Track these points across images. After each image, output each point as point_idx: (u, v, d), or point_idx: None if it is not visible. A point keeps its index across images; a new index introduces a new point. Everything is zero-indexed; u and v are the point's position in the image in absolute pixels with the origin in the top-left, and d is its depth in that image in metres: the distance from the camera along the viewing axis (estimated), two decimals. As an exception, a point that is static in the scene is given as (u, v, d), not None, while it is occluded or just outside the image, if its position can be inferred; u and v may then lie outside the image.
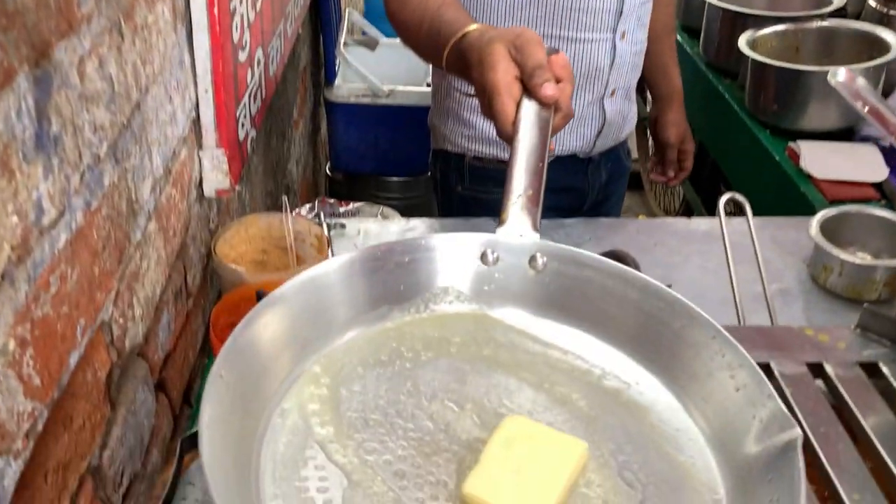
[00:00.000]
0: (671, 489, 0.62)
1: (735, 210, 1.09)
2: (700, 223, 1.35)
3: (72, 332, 0.65)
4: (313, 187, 2.22)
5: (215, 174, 1.01)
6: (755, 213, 1.05)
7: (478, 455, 0.63)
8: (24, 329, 0.57)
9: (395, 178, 2.25)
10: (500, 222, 0.79)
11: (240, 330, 0.65)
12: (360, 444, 0.64)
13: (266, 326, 0.68)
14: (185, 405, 1.00)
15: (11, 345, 0.55)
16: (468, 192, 1.38)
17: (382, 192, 2.17)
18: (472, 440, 0.65)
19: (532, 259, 0.77)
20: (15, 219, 0.55)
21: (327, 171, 2.38)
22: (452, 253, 0.78)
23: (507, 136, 0.82)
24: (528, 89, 0.82)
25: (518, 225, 0.78)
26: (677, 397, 0.70)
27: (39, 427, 0.60)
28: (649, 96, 1.60)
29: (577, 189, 1.39)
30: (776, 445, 0.58)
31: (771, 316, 0.90)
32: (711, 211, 2.13)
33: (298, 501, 0.59)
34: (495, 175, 1.34)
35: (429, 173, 1.44)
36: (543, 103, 0.82)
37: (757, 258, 0.91)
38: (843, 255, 1.15)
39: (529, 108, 0.83)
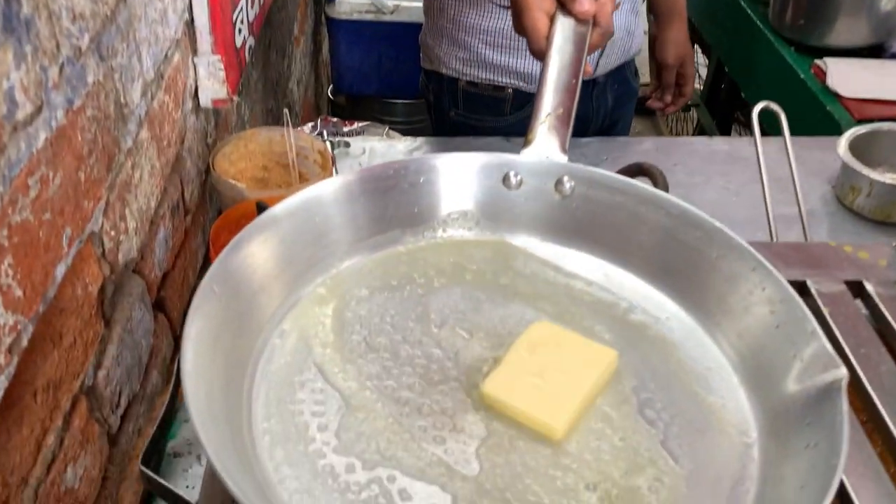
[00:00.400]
0: (696, 430, 0.57)
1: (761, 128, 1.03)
2: (721, 142, 1.29)
3: (57, 242, 0.60)
4: (315, 110, 2.14)
5: (211, 83, 0.95)
6: (777, 134, 0.98)
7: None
8: (1, 235, 0.52)
9: (399, 101, 2.17)
10: (526, 143, 0.73)
11: (235, 245, 0.59)
12: (361, 369, 0.60)
13: (264, 243, 0.63)
14: (185, 327, 0.96)
15: (-12, 251, 0.50)
16: (461, 118, 1.31)
17: (386, 116, 2.09)
18: (479, 370, 0.61)
19: (558, 183, 0.71)
20: (-16, 110, 0.49)
21: (329, 95, 2.30)
22: (473, 175, 0.72)
23: (539, 53, 0.76)
24: (562, 3, 0.75)
25: (545, 146, 0.72)
26: (709, 333, 0.65)
27: (24, 342, 0.56)
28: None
29: (579, 116, 1.30)
30: (817, 386, 0.53)
31: (805, 232, 0.84)
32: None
33: (292, 425, 0.55)
34: (490, 102, 1.27)
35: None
36: (579, 19, 0.75)
37: (791, 168, 0.85)
38: (873, 175, 1.09)
39: (565, 24, 0.76)
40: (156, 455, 0.77)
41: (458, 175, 0.71)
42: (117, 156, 0.71)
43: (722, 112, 2.13)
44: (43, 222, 0.57)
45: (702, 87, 2.25)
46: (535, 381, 0.58)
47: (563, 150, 0.71)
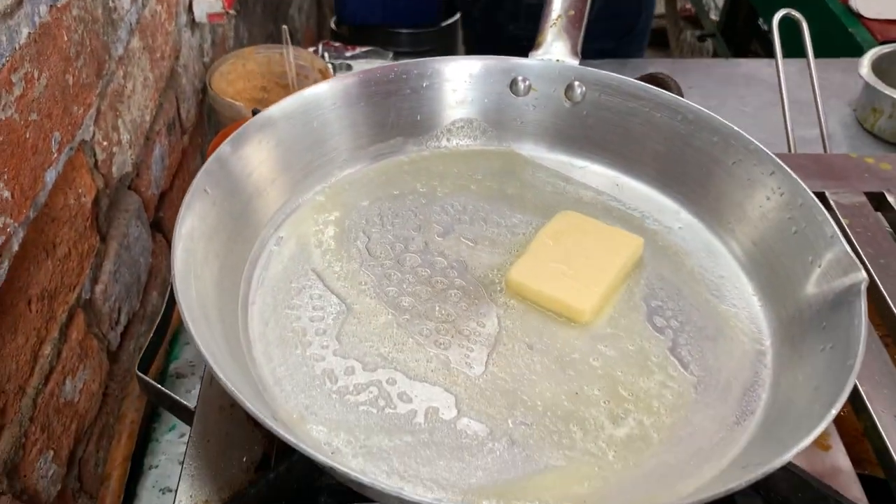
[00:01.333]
0: (706, 337, 0.56)
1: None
2: (739, 64, 1.24)
3: (45, 145, 0.57)
4: (317, 41, 2.08)
5: (206, -5, 0.91)
6: (797, 56, 0.94)
7: (489, 290, 0.58)
8: (-16, 131, 0.49)
9: (405, 30, 2.11)
10: (535, 46, 0.69)
11: (229, 145, 0.57)
12: (362, 276, 0.58)
13: (260, 145, 0.60)
14: (187, 250, 0.94)
15: (-30, 148, 0.48)
16: (522, 32, 1.24)
17: (392, 46, 2.03)
18: (485, 277, 0.59)
19: (569, 88, 0.68)
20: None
21: (332, 26, 2.23)
22: (478, 80, 0.69)
23: None
24: None
25: (555, 49, 0.69)
26: (723, 242, 0.63)
27: (15, 246, 0.54)
28: None
29: (623, 15, 1.23)
30: (836, 291, 0.51)
31: (825, 144, 0.81)
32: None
33: (290, 329, 0.54)
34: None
35: (450, 18, 1.28)
36: None
37: (812, 77, 0.81)
38: (897, 95, 1.05)
39: None
40: (158, 374, 0.76)
41: (463, 80, 0.68)
42: (108, 62, 0.68)
43: (738, 42, 2.06)
44: (29, 123, 0.55)
45: (718, 17, 2.18)
46: (561, 268, 0.58)
47: (575, 53, 0.68)
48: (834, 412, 0.43)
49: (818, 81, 1.17)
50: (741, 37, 2.06)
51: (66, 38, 0.60)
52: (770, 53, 0.96)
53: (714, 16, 2.29)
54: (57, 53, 0.59)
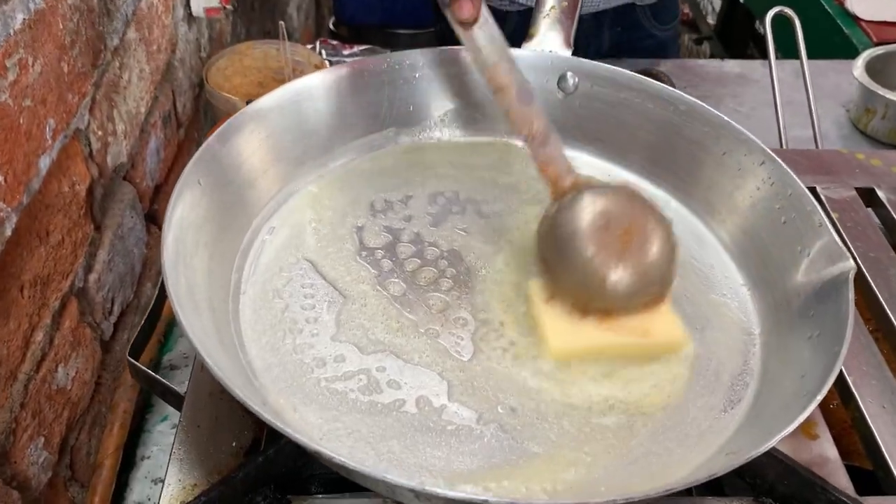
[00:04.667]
0: (696, 327, 0.56)
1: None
2: (733, 65, 1.24)
3: (39, 132, 0.58)
4: (315, 40, 2.09)
5: (203, -10, 0.91)
6: (791, 57, 0.95)
7: (482, 279, 0.58)
8: (-23, 114, 0.50)
9: (403, 31, 2.11)
10: (528, 37, 0.70)
11: (220, 135, 0.58)
12: (354, 265, 0.59)
13: (251, 135, 0.61)
14: (182, 243, 0.94)
15: (-37, 131, 0.48)
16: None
17: (389, 47, 2.04)
18: (477, 266, 0.59)
19: (562, 79, 0.69)
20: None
21: (330, 26, 2.24)
22: (471, 71, 0.69)
23: None
24: None
25: (548, 40, 0.69)
26: (713, 232, 0.63)
27: (8, 231, 0.54)
28: None
29: None
30: (824, 279, 0.52)
31: (816, 140, 0.82)
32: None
33: (280, 318, 0.54)
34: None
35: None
36: None
37: (804, 72, 0.82)
38: (890, 95, 1.05)
39: None
40: (152, 366, 0.77)
41: (456, 71, 0.68)
42: (103, 52, 0.69)
43: (735, 45, 2.07)
44: (23, 108, 0.55)
45: (714, 20, 2.19)
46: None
47: (568, 44, 0.68)
48: (819, 398, 0.43)
49: (812, 81, 1.17)
50: (737, 40, 2.07)
51: (61, 26, 0.60)
52: (766, 56, 0.96)
53: (711, 19, 2.30)
54: (52, 40, 0.59)
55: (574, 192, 0.56)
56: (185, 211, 0.51)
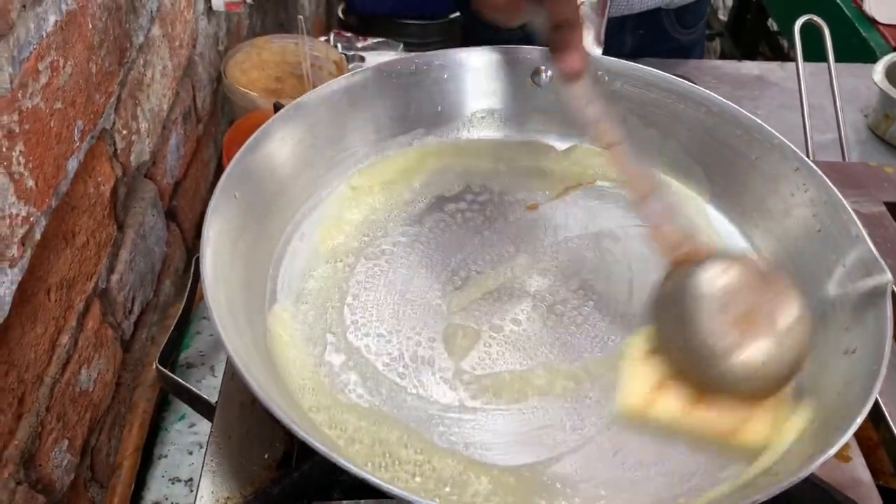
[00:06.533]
0: None
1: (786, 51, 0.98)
2: (752, 67, 1.24)
3: (68, 134, 0.57)
4: (326, 30, 2.07)
5: (224, -16, 0.90)
6: (810, 59, 0.94)
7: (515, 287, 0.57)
8: (11, 119, 0.49)
9: (414, 21, 2.10)
10: None
11: (252, 145, 0.57)
12: (386, 271, 0.58)
13: (283, 142, 0.60)
14: (198, 239, 0.94)
15: (-3, 135, 0.48)
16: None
17: (400, 37, 2.02)
18: (510, 275, 0.59)
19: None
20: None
21: (339, 14, 2.22)
22: (500, 70, 0.69)
23: None
24: None
25: None
26: (746, 237, 0.63)
27: (37, 235, 0.54)
28: None
29: None
30: (860, 291, 0.51)
31: (844, 152, 0.81)
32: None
33: (314, 327, 0.54)
34: None
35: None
36: None
37: (832, 83, 0.81)
38: (910, 102, 1.05)
39: None
40: (169, 364, 0.76)
41: (485, 71, 0.68)
42: (129, 50, 0.68)
43: (746, 42, 2.06)
44: (54, 111, 0.54)
45: (726, 16, 2.17)
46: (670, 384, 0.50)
47: (599, 42, 0.67)
48: (859, 420, 0.43)
49: (830, 87, 1.17)
50: (750, 37, 2.06)
51: (90, 26, 0.59)
52: (778, 53, 0.96)
53: (722, 15, 2.29)
54: (82, 41, 0.58)
55: (695, 263, 0.50)
56: (220, 225, 0.51)
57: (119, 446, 0.70)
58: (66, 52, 0.56)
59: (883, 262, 0.50)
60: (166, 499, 0.69)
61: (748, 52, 2.06)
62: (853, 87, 1.17)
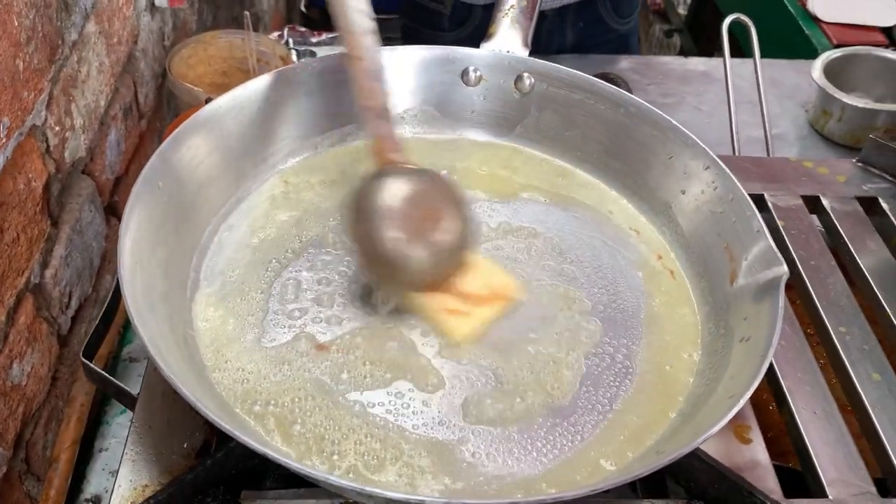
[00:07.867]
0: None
1: (734, 48, 1.00)
2: (697, 63, 1.26)
3: (-8, 131, 0.58)
4: (286, 24, 2.07)
5: (166, -20, 0.91)
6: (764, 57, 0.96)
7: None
8: (-72, 116, 0.50)
9: (376, 16, 2.10)
10: (487, 36, 0.71)
11: (176, 138, 0.58)
12: (312, 261, 0.60)
13: (208, 135, 0.61)
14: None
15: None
16: (408, 29, 1.21)
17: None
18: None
19: (518, 79, 0.70)
20: None
21: (302, 8, 2.22)
22: (430, 69, 0.70)
23: None
24: None
25: (506, 40, 0.70)
26: (661, 232, 0.65)
27: (-40, 231, 0.54)
28: None
29: None
30: (759, 283, 0.54)
31: (768, 149, 0.84)
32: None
33: (238, 314, 0.55)
34: (426, 14, 1.15)
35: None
36: None
37: (758, 81, 0.83)
38: (846, 98, 1.08)
39: None
40: (112, 358, 0.77)
41: (415, 70, 0.69)
42: (61, 48, 0.68)
43: (705, 38, 2.09)
44: (-25, 109, 0.55)
45: (685, 12, 2.20)
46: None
47: (526, 44, 0.69)
48: (741, 403, 0.45)
49: (772, 81, 1.20)
50: (708, 33, 2.09)
51: (16, 23, 0.60)
52: (737, 50, 0.98)
53: (682, 10, 2.32)
54: (7, 38, 0.59)
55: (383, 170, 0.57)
56: (142, 213, 0.52)
57: (56, 440, 0.71)
58: (-11, 49, 0.56)
59: (780, 256, 0.53)
60: (106, 491, 0.70)
61: (707, 49, 2.09)
62: (795, 84, 1.20)
